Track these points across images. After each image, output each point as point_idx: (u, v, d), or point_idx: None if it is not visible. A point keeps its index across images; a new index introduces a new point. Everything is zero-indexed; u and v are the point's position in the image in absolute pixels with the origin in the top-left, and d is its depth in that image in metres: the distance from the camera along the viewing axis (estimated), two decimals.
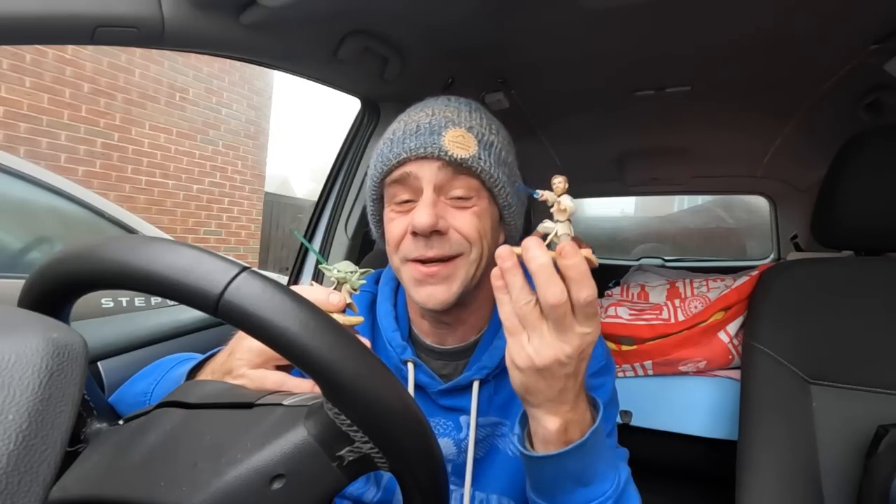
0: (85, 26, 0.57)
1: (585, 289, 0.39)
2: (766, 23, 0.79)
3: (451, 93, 0.65)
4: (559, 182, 0.42)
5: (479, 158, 0.56)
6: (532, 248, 0.40)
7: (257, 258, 5.36)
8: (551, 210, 0.42)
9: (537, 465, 0.47)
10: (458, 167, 0.56)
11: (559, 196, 0.42)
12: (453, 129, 0.56)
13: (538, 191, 0.43)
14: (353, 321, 0.46)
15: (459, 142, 0.56)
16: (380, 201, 0.64)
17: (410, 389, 0.61)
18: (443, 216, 0.56)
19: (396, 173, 0.58)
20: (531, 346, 0.41)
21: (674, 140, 1.51)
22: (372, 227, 0.68)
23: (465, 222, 0.57)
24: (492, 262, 0.61)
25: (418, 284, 0.57)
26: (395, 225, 0.59)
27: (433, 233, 0.55)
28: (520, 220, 0.64)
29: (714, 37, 0.85)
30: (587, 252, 0.41)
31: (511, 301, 0.42)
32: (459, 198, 0.57)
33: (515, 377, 0.44)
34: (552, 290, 0.39)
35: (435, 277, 0.56)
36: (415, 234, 0.56)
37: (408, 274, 0.59)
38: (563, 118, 1.33)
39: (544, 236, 0.42)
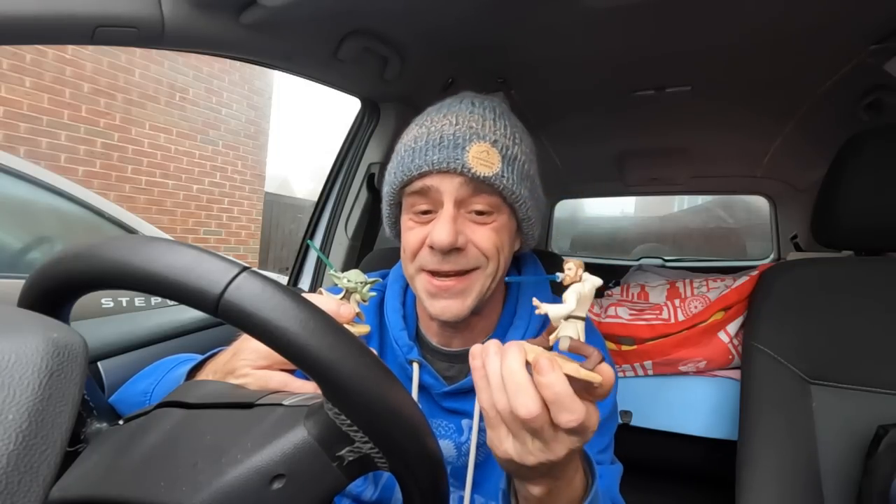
0: (85, 26, 0.57)
1: (565, 412, 0.33)
2: (766, 23, 0.79)
3: (452, 93, 0.65)
4: (570, 268, 0.35)
5: (503, 176, 0.55)
6: (489, 354, 0.36)
7: (257, 258, 5.36)
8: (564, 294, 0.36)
9: None
10: (481, 183, 0.54)
11: (567, 285, 0.35)
12: (478, 143, 0.55)
13: (558, 274, 0.36)
14: (361, 330, 0.46)
15: (483, 158, 0.54)
16: (397, 206, 0.62)
17: (414, 389, 0.61)
18: (462, 231, 0.55)
19: (417, 185, 0.56)
20: (511, 445, 0.36)
21: (674, 140, 1.51)
22: (387, 227, 0.67)
23: (484, 238, 0.56)
24: (506, 271, 0.60)
25: (432, 297, 0.57)
26: (413, 235, 0.57)
27: (451, 249, 0.54)
28: (538, 229, 0.64)
29: (714, 37, 0.85)
30: (589, 363, 0.34)
31: (489, 393, 0.36)
32: (480, 212, 0.56)
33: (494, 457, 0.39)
34: (521, 401, 0.34)
35: (449, 291, 0.56)
36: (432, 247, 0.55)
37: (422, 285, 0.58)
38: (564, 118, 1.33)
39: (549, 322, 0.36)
